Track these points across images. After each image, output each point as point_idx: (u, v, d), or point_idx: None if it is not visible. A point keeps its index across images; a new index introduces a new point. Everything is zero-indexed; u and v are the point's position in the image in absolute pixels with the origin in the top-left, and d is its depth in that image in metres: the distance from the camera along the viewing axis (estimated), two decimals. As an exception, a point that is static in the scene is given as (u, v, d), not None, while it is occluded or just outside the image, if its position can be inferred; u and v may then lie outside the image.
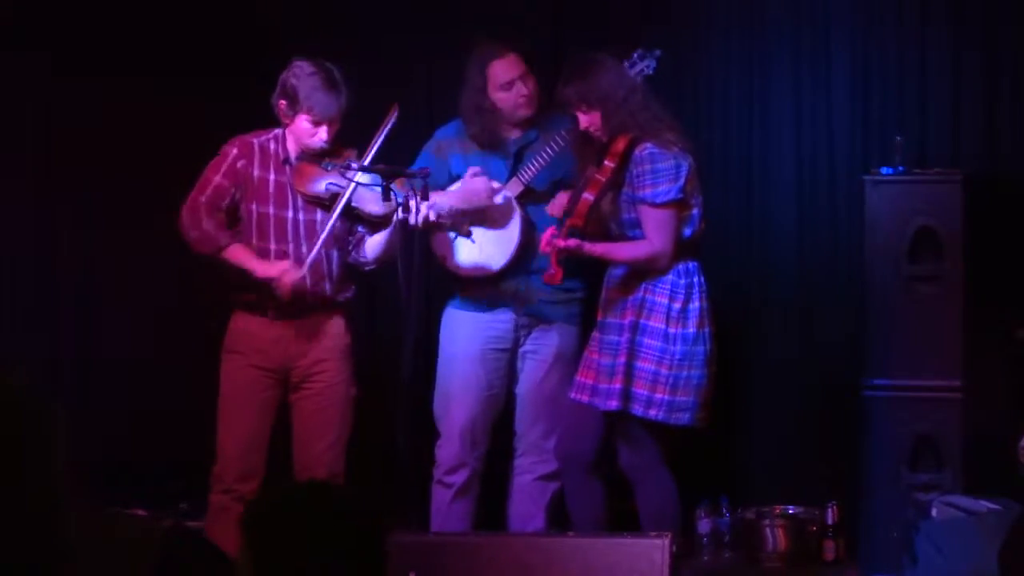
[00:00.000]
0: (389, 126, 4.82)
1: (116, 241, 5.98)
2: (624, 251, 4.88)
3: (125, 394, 5.96)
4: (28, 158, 5.91)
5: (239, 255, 4.83)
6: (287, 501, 2.34)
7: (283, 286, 4.76)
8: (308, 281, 4.82)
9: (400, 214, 4.75)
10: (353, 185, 4.78)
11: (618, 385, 4.79)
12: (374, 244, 4.92)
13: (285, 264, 4.80)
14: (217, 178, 4.85)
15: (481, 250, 5.19)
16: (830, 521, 5.38)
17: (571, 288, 5.26)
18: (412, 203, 4.73)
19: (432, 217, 4.80)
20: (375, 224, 4.89)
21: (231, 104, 5.65)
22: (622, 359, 4.80)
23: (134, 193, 5.90)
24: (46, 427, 2.07)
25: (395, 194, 4.76)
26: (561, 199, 5.11)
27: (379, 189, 4.77)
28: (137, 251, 5.93)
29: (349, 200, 4.80)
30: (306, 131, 4.81)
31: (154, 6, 6.01)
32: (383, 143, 4.82)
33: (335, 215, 4.79)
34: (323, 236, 4.80)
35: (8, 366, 2.17)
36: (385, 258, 4.92)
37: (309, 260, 4.79)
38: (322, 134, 4.80)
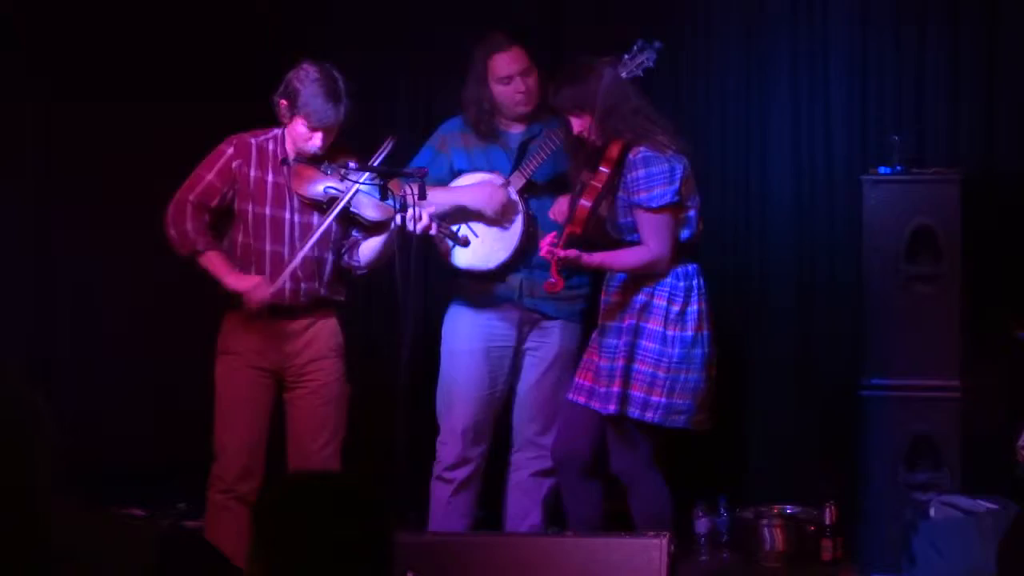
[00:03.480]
0: (382, 155, 4.79)
1: (114, 241, 5.98)
2: (622, 259, 4.86)
3: (122, 394, 5.97)
4: (27, 158, 5.91)
5: (213, 263, 4.80)
6: (302, 490, 2.33)
7: (251, 301, 4.74)
8: (287, 287, 4.79)
9: (398, 217, 4.72)
10: (353, 190, 4.77)
11: (616, 389, 4.78)
12: (368, 249, 4.91)
13: (257, 279, 4.77)
14: (209, 176, 4.82)
15: (483, 245, 5.18)
16: (828, 521, 5.39)
17: (576, 285, 5.26)
18: (410, 205, 4.71)
19: (433, 231, 4.79)
20: (371, 229, 4.88)
21: (231, 104, 5.65)
22: (620, 362, 4.78)
23: (132, 193, 5.89)
24: (31, 425, 2.07)
25: (392, 201, 4.75)
26: (561, 204, 5.12)
27: (377, 195, 4.77)
28: (134, 251, 5.93)
29: (347, 205, 4.79)
30: (302, 135, 4.79)
31: (154, 7, 6.01)
32: (374, 172, 4.79)
33: (330, 219, 4.76)
34: (312, 240, 4.77)
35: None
36: (378, 264, 4.92)
37: (288, 270, 4.76)
38: (316, 140, 4.78)
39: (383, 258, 4.88)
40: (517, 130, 5.28)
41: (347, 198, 4.76)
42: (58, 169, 5.97)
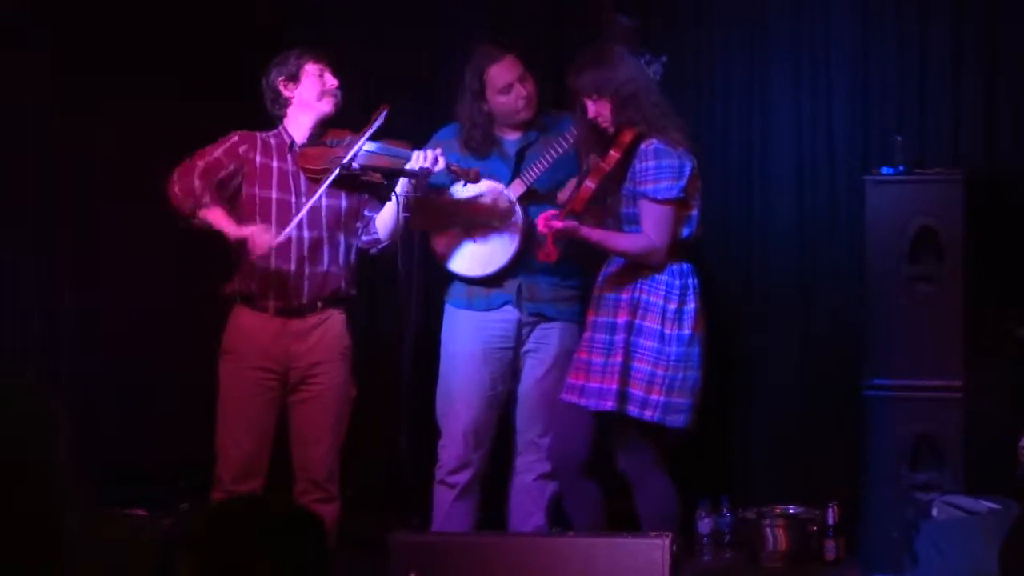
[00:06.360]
0: (376, 125, 4.80)
1: (117, 241, 5.98)
2: (621, 240, 4.85)
3: (126, 394, 5.96)
4: (29, 158, 5.91)
5: (216, 216, 4.77)
6: (226, 520, 2.31)
7: (255, 248, 4.71)
8: (294, 235, 4.78)
9: (403, 175, 4.77)
10: (354, 151, 4.75)
11: (613, 385, 4.76)
12: (384, 221, 4.91)
13: (259, 225, 4.76)
14: (218, 152, 4.85)
15: (482, 250, 5.18)
16: (830, 521, 5.39)
17: (574, 286, 5.26)
18: (437, 158, 4.79)
19: (442, 165, 4.82)
20: (383, 189, 4.86)
21: (232, 105, 5.65)
22: (617, 359, 4.77)
23: (133, 192, 5.89)
24: (48, 427, 2.07)
25: (396, 197, 4.77)
26: (572, 186, 5.11)
27: (383, 155, 4.79)
28: (138, 250, 5.93)
29: (356, 172, 4.77)
30: (315, 86, 4.85)
31: (154, 7, 6.01)
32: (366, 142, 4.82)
33: (331, 177, 4.74)
34: (322, 186, 4.75)
35: (14, 367, 2.17)
36: (396, 232, 4.89)
37: (294, 221, 4.74)
38: (329, 78, 4.86)
39: (400, 223, 4.86)
40: (513, 137, 5.27)
41: (353, 150, 4.76)
42: (59, 169, 5.96)
